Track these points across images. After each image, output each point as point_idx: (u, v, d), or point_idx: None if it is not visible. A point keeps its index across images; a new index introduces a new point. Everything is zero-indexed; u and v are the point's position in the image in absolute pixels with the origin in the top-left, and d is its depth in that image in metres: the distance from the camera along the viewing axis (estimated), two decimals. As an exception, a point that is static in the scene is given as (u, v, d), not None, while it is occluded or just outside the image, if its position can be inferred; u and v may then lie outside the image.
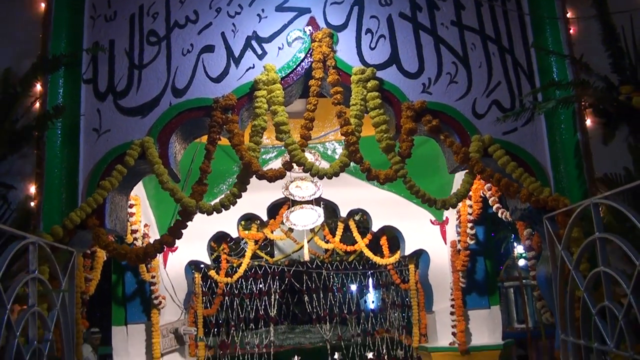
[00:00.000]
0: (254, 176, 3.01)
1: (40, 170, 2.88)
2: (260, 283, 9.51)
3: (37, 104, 2.92)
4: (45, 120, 2.80)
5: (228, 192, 3.03)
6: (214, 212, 2.97)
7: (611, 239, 2.36)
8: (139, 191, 4.73)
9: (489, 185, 4.05)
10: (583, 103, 2.95)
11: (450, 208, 3.28)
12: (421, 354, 5.49)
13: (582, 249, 2.58)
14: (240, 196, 3.03)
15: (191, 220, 2.97)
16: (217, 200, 3.07)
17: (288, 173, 3.30)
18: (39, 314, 2.45)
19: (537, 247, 3.61)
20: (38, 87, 2.97)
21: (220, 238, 5.99)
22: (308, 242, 7.02)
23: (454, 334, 5.03)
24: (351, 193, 5.33)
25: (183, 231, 3.03)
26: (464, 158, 2.90)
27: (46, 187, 2.85)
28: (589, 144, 2.95)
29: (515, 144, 3.05)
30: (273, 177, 3.03)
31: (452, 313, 5.09)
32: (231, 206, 3.02)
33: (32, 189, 2.84)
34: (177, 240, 3.08)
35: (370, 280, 10.24)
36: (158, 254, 3.64)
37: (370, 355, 9.53)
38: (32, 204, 2.82)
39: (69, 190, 2.91)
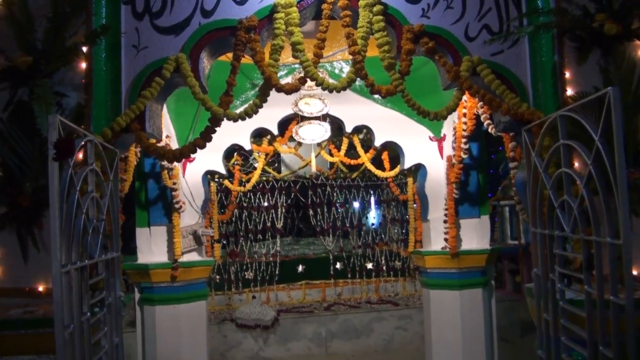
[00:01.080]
0: (273, 89, 3.50)
1: (89, 81, 3.38)
2: (268, 198, 10.14)
3: (84, 24, 3.37)
4: (93, 37, 3.27)
5: (251, 102, 3.53)
6: (239, 120, 3.48)
7: (573, 145, 2.88)
8: (161, 105, 5.17)
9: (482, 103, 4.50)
10: (561, 29, 3.40)
11: (442, 120, 3.78)
12: (415, 257, 6.10)
13: (550, 155, 3.11)
14: (261, 106, 3.54)
15: (219, 126, 3.48)
16: (241, 109, 3.57)
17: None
18: (96, 199, 3.02)
19: (519, 158, 4.12)
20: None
21: (234, 151, 6.46)
22: (316, 157, 7.55)
23: (445, 239, 5.59)
24: (356, 110, 5.76)
25: (212, 139, 3.54)
26: (454, 76, 3.38)
27: (95, 96, 3.36)
28: (564, 66, 3.42)
29: (501, 64, 3.52)
30: (290, 90, 3.52)
31: (445, 221, 5.61)
32: (254, 115, 3.52)
33: (83, 96, 3.35)
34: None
35: (372, 198, 10.81)
36: (189, 157, 4.16)
37: (369, 265, 10.29)
38: (83, 110, 3.34)
39: (114, 99, 3.43)
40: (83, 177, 2.77)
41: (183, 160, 5.54)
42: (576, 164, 3.31)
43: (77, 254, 2.63)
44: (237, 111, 3.61)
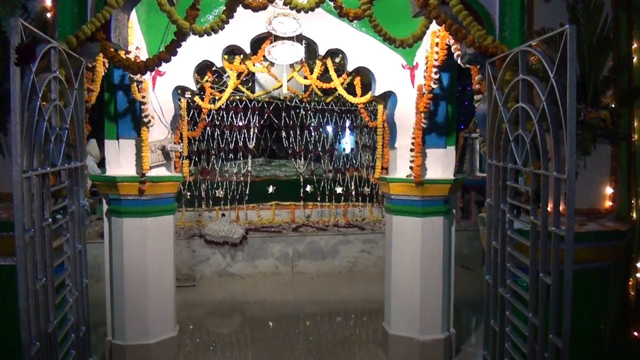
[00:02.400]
0: (240, 6, 3.47)
1: (54, -16, 3.31)
2: (241, 118, 10.16)
3: None
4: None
5: (217, 17, 3.51)
6: (205, 35, 3.47)
7: (531, 81, 2.97)
8: (131, 16, 5.07)
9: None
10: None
11: (408, 47, 3.80)
12: (381, 183, 6.24)
13: (510, 89, 3.20)
14: (227, 22, 3.51)
15: (185, 40, 3.47)
16: (207, 25, 3.55)
17: (271, 8, 3.73)
18: (59, 107, 3.05)
19: (484, 91, 4.20)
20: None
21: (204, 68, 6.40)
22: (288, 80, 7.53)
23: (411, 167, 5.71)
24: (330, 32, 5.71)
25: (177, 53, 3.54)
26: (423, 3, 3.39)
27: (60, 2, 3.31)
28: (532, 1, 3.45)
29: (471, -4, 3.53)
30: (257, 7, 3.50)
31: (411, 150, 5.72)
32: (220, 30, 3.51)
33: (48, 1, 3.30)
34: (165, 65, 3.58)
35: (346, 123, 10.89)
36: (154, 70, 4.15)
37: (339, 190, 10.52)
38: (49, 15, 3.30)
39: (80, 6, 3.37)
40: (46, 84, 2.78)
41: (152, 73, 5.52)
42: (536, 101, 3.41)
43: (39, 161, 2.69)
44: (205, 26, 3.59)
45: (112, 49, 3.39)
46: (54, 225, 2.98)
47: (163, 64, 3.60)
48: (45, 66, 2.90)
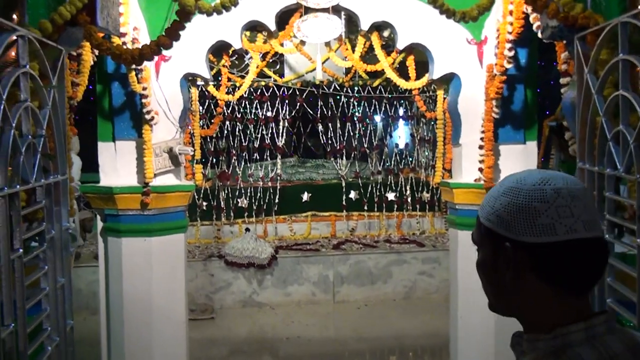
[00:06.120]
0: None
1: (23, -43, 3.29)
2: (267, 109, 10.14)
3: None
4: None
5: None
6: (214, 13, 3.40)
7: (635, 62, 2.79)
8: (126, -11, 5.06)
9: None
10: None
11: (472, 21, 3.66)
12: (443, 189, 6.12)
13: (606, 72, 3.03)
14: (242, -4, 3.44)
15: (189, 21, 3.41)
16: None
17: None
18: (31, 110, 3.02)
19: (573, 72, 4.02)
20: None
21: (220, 49, 6.37)
22: (324, 62, 7.45)
23: (480, 169, 5.56)
24: (376, 2, 5.61)
25: (180, 37, 3.48)
26: (491, -37, 3.25)
27: (31, -23, 3.29)
28: (636, -44, 3.26)
29: (554, -51, 3.36)
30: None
31: (480, 147, 5.56)
32: (232, 7, 3.44)
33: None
34: (171, 49, 3.54)
35: (399, 112, 10.76)
36: (152, 59, 4.12)
37: (391, 196, 10.39)
38: (16, -4, 3.28)
39: (56, -19, 3.35)
40: (12, 82, 2.75)
41: (155, 60, 5.50)
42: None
43: (5, 179, 2.65)
44: (215, 2, 3.53)
45: (99, 34, 3.36)
46: (28, 256, 2.94)
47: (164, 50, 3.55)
48: (13, 60, 2.87)
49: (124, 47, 4.78)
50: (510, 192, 1.40)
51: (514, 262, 1.38)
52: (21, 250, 2.80)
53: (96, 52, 4.79)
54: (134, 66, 5.19)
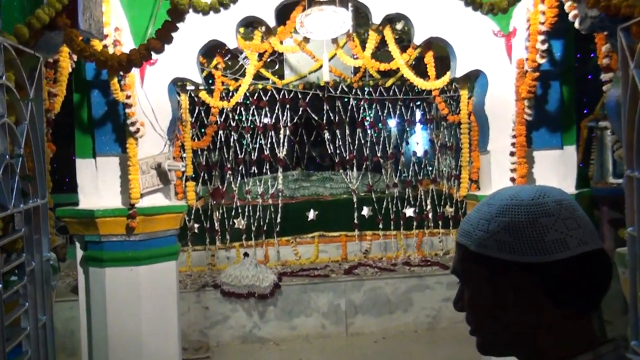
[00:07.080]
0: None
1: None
2: (266, 115, 10.16)
3: None
4: None
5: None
6: (211, 12, 3.48)
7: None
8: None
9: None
10: None
11: (501, 13, 3.72)
12: (470, 203, 6.14)
13: (655, 67, 3.09)
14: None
15: (182, 21, 3.48)
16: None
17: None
18: (8, 126, 3.08)
19: (616, 68, 4.07)
20: None
21: (212, 49, 6.43)
22: (330, 59, 7.50)
23: (512, 179, 5.59)
24: (389, -8, 5.68)
25: (173, 39, 3.56)
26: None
27: (4, -24, 3.37)
28: None
29: None
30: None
31: (512, 154, 5.60)
32: (231, 5, 3.52)
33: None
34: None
35: (416, 115, 10.78)
36: (141, 64, 4.19)
37: (409, 212, 10.40)
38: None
39: (32, -19, 3.43)
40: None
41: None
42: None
43: (-20, 205, 2.72)
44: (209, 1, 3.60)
45: (80, 39, 3.43)
46: (6, 292, 2.99)
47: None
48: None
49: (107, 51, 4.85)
50: (507, 210, 1.40)
51: (520, 287, 1.38)
52: (0, 285, 2.86)
53: (75, 57, 4.85)
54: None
